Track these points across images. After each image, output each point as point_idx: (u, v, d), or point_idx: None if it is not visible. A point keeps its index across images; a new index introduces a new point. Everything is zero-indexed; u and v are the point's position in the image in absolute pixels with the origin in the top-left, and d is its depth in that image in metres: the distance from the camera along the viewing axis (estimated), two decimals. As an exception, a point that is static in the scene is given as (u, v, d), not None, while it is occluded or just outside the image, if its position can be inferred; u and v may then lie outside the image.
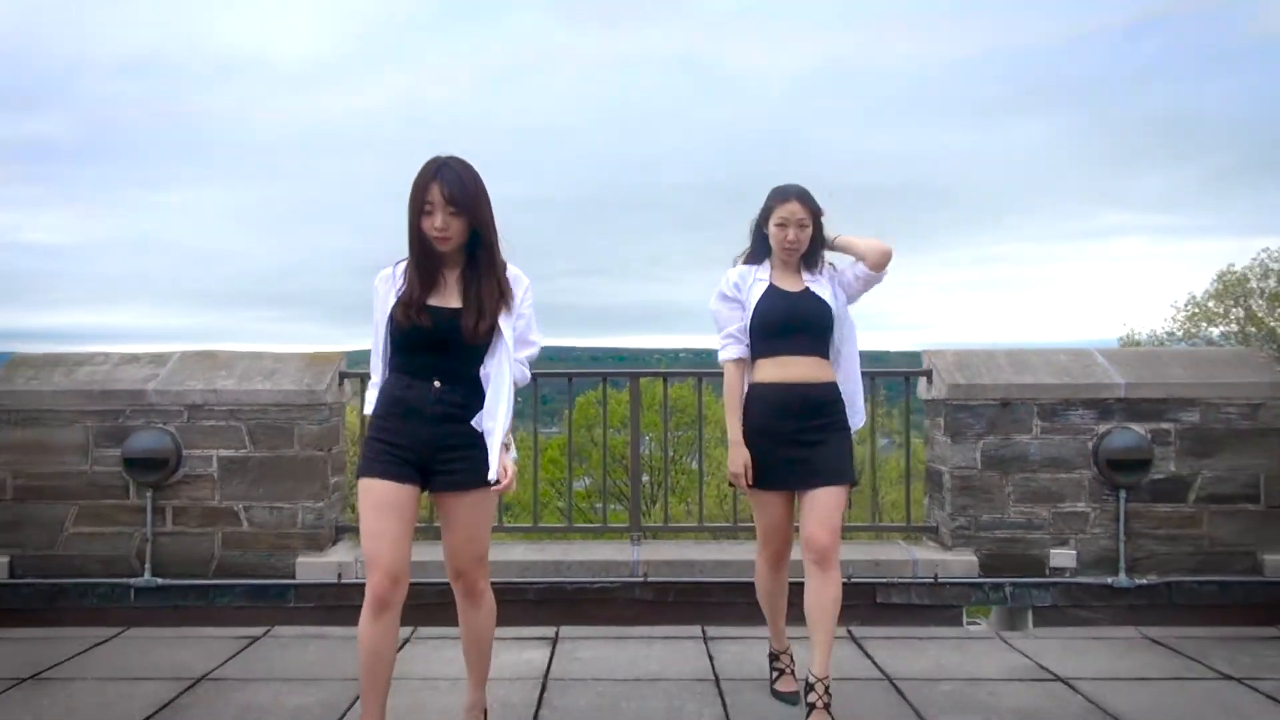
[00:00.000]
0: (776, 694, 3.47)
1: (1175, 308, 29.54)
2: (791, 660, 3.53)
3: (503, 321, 2.68)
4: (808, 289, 3.27)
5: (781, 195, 3.24)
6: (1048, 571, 4.84)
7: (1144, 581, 4.80)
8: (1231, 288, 28.96)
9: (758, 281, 3.28)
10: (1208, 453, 4.84)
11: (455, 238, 2.61)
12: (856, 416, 3.32)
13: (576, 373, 5.60)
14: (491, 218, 2.67)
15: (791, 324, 3.23)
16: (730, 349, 3.28)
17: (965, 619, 4.94)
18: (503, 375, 2.69)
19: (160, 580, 4.82)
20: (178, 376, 4.93)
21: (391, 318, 2.65)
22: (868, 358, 3.73)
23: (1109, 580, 4.80)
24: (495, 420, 2.66)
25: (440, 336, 2.63)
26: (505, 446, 2.70)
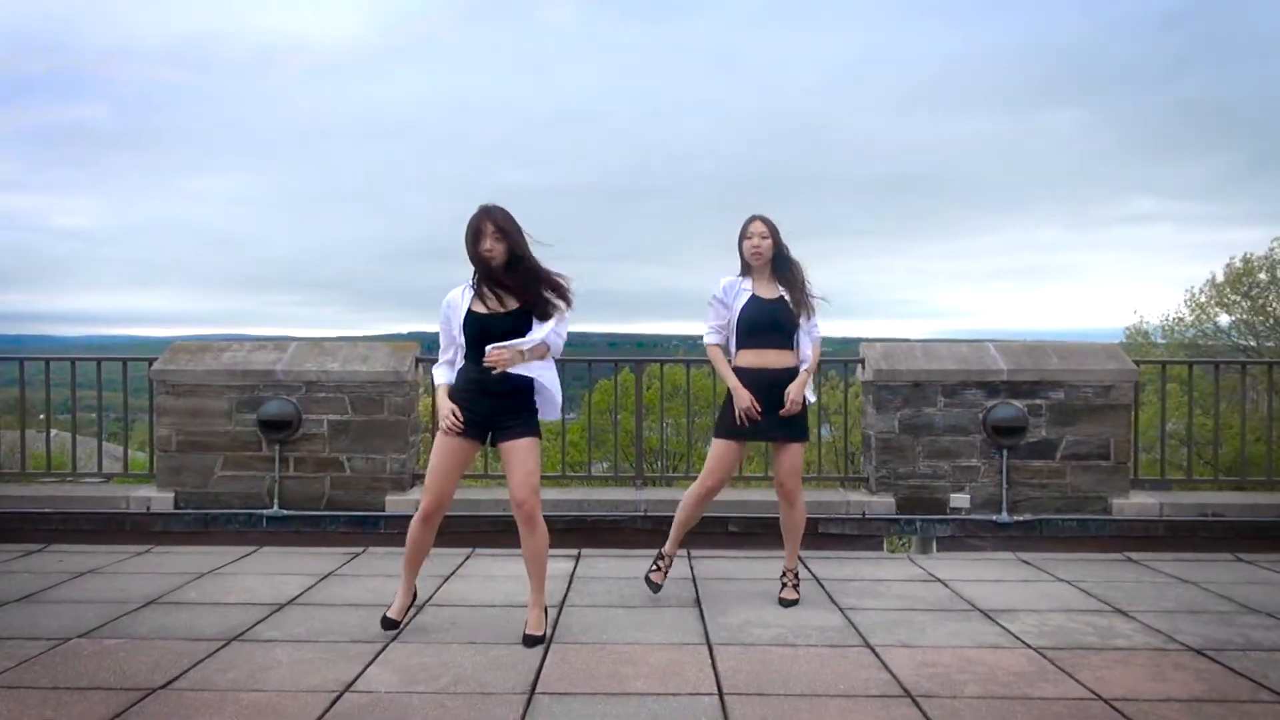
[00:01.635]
0: (648, 580, 4.65)
1: (1192, 291, 29.37)
2: (669, 564, 4.69)
3: (554, 317, 3.83)
4: (781, 297, 4.37)
5: (750, 219, 4.42)
6: (948, 510, 6.34)
7: (1021, 519, 6.30)
8: (1239, 278, 29.05)
9: (742, 291, 4.39)
10: (1070, 422, 6.34)
11: (499, 256, 3.78)
12: (810, 395, 4.48)
13: (596, 359, 7.19)
14: (524, 241, 3.82)
15: (765, 324, 4.35)
16: (711, 337, 4.54)
17: (885, 548, 6.46)
18: (542, 330, 3.82)
19: (285, 511, 6.40)
20: (297, 360, 6.54)
21: (469, 320, 3.81)
22: (835, 343, 5.02)
23: (994, 517, 6.30)
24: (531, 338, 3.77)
25: (505, 329, 3.78)
26: (522, 354, 3.75)
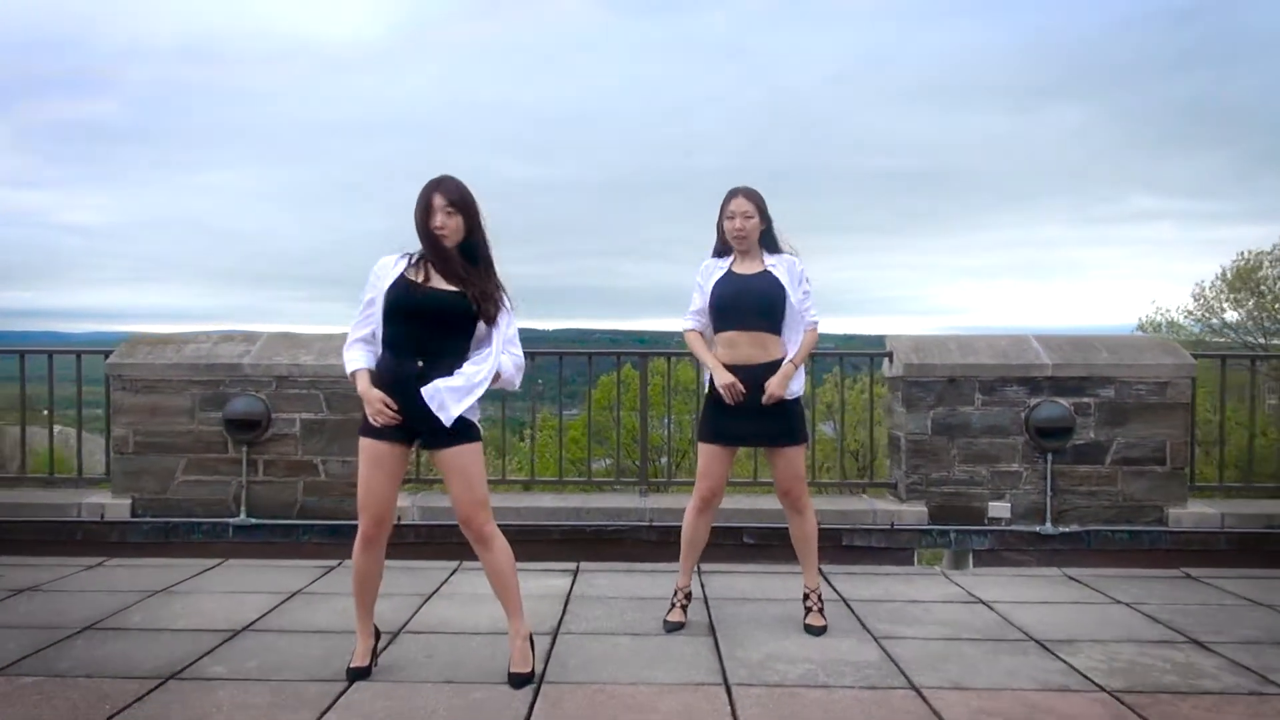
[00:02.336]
0: (666, 622, 4.04)
1: (1200, 285, 29.54)
2: (686, 599, 4.12)
3: (501, 316, 3.28)
4: (766, 270, 3.84)
5: (730, 193, 3.88)
6: (986, 521, 5.76)
7: (1067, 530, 5.72)
8: (1244, 275, 28.98)
9: (718, 270, 3.91)
10: (1122, 422, 5.75)
11: (452, 234, 3.25)
12: (797, 387, 3.94)
13: (597, 351, 6.59)
14: (479, 219, 3.31)
15: (738, 302, 3.82)
16: (688, 322, 4.01)
17: (916, 561, 5.87)
18: (491, 354, 3.26)
19: (253, 520, 5.84)
20: (267, 353, 5.96)
21: (398, 287, 3.21)
22: (836, 340, 4.56)
23: (1037, 528, 5.72)
24: (472, 371, 3.21)
25: (436, 310, 3.20)
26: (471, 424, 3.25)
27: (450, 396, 3.20)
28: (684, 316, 4.06)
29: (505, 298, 3.37)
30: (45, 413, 6.48)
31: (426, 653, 3.70)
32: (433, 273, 3.29)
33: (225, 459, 5.87)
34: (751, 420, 3.88)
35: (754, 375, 3.84)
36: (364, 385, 3.30)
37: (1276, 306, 28.42)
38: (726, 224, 3.89)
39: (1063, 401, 5.73)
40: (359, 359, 3.33)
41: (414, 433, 3.29)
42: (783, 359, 3.89)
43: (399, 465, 3.36)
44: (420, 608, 4.38)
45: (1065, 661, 3.66)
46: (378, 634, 3.55)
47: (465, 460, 3.27)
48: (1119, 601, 4.58)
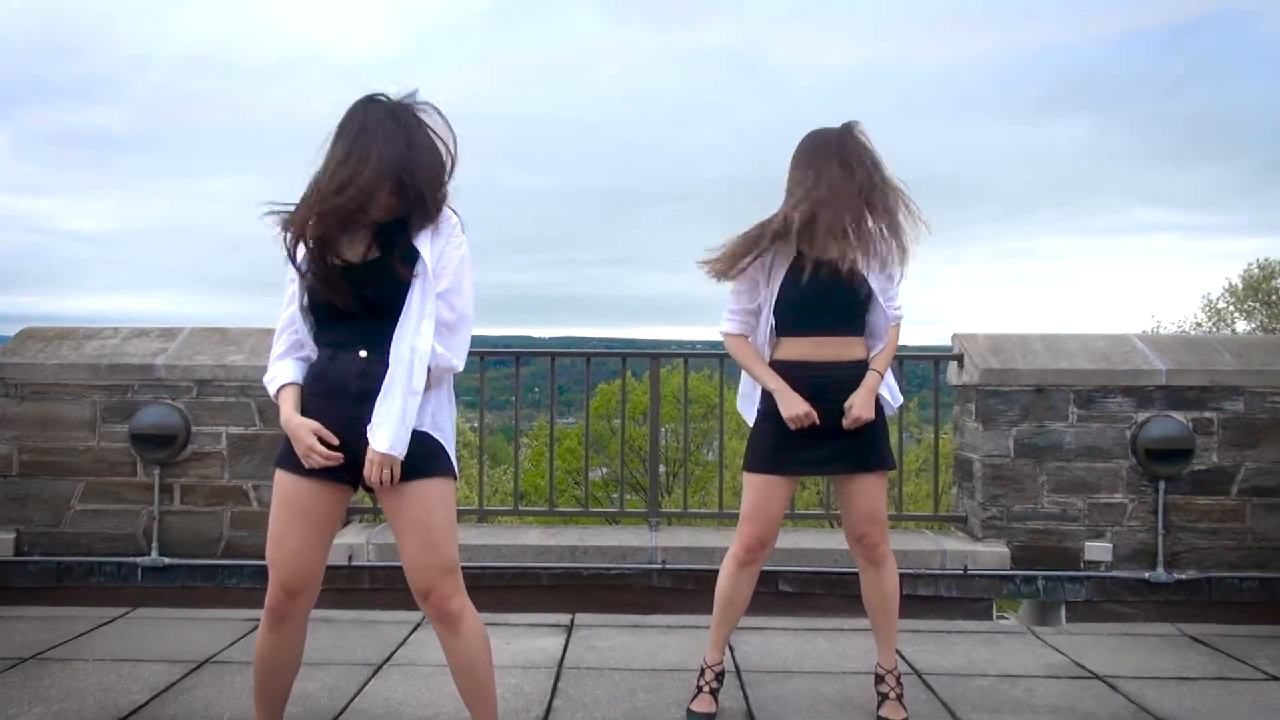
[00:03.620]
0: (690, 714, 3.09)
1: (1208, 299, 29.64)
2: (718, 681, 3.15)
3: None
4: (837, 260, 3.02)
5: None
6: (1082, 565, 4.64)
7: (1183, 577, 4.60)
8: (1258, 284, 28.98)
9: (778, 263, 2.99)
10: (1253, 443, 4.63)
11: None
12: (891, 399, 3.06)
13: (595, 352, 5.43)
14: None
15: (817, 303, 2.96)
16: (730, 325, 3.06)
17: (995, 613, 4.77)
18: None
19: (167, 560, 4.69)
20: (187, 351, 4.81)
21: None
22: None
23: (1146, 575, 4.60)
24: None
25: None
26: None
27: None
28: (724, 316, 3.05)
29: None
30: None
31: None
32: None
33: (133, 483, 4.71)
34: (824, 442, 2.87)
35: (836, 374, 2.92)
36: (288, 410, 2.32)
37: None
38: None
39: (1178, 416, 4.61)
40: (288, 372, 2.39)
41: (357, 464, 2.26)
42: (865, 360, 2.95)
43: (324, 510, 2.32)
44: (366, 683, 3.38)
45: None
46: None
47: (428, 503, 2.26)
48: (1273, 677, 3.59)
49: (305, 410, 2.24)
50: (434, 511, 2.24)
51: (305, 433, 2.16)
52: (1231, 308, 29.93)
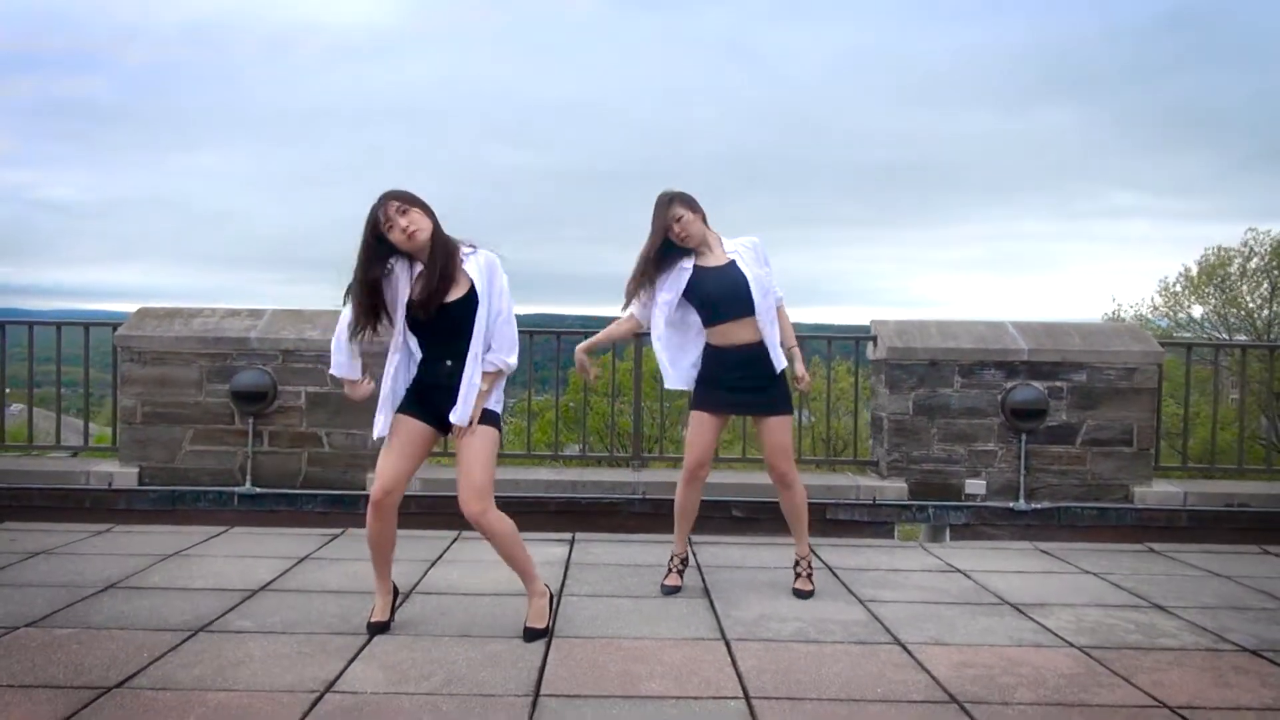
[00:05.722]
0: (664, 586, 4.26)
1: (1165, 283, 30.00)
2: (682, 565, 4.33)
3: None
4: (732, 262, 4.06)
5: (665, 200, 4.00)
6: (963, 497, 6.04)
7: (1039, 506, 6.01)
8: (1213, 270, 29.43)
9: (682, 270, 4.07)
10: (1093, 406, 6.04)
11: (423, 230, 3.33)
12: (780, 361, 4.14)
13: (566, 331, 6.67)
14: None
15: (723, 295, 4.05)
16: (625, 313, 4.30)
17: (897, 535, 6.15)
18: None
19: (258, 489, 6.00)
20: (273, 327, 6.11)
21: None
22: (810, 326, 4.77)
23: (1011, 504, 6.01)
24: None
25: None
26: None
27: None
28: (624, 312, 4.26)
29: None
30: (48, 387, 6.59)
31: (440, 611, 3.91)
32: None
33: (231, 430, 6.02)
34: (740, 392, 4.12)
35: (747, 352, 4.09)
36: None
37: (1240, 302, 28.94)
38: (675, 226, 3.98)
39: (1037, 385, 6.01)
40: (357, 371, 3.63)
41: (444, 421, 3.47)
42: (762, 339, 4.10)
43: (424, 443, 3.53)
44: (427, 571, 4.59)
45: (1038, 622, 3.94)
46: (396, 591, 3.75)
47: (479, 445, 3.45)
48: (1087, 571, 4.88)
49: (410, 393, 3.51)
50: (484, 451, 3.44)
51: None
52: (1187, 292, 30.41)
